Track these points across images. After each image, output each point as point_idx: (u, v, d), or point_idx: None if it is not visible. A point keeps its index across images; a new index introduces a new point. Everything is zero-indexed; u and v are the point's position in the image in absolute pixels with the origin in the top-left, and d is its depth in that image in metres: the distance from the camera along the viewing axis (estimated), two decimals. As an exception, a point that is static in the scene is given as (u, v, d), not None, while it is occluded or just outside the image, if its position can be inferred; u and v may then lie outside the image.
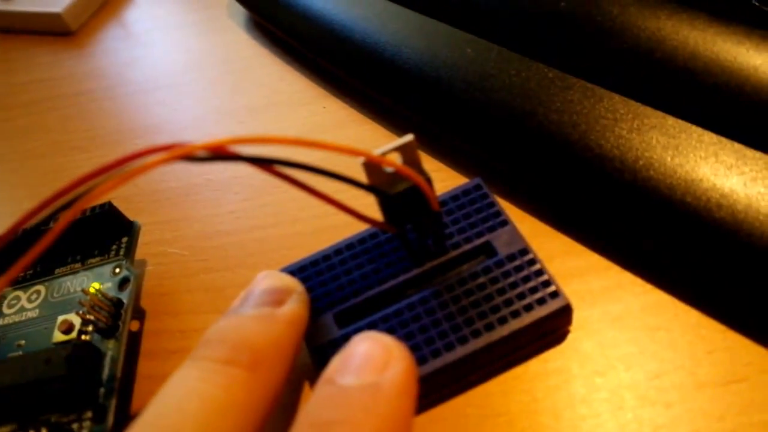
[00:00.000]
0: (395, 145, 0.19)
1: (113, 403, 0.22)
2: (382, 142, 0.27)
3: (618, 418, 0.21)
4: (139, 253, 0.27)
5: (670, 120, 0.23)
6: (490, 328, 0.21)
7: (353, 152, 0.18)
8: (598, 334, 0.22)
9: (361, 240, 0.23)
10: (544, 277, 0.21)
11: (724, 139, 0.22)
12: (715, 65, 0.23)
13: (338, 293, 0.22)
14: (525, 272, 0.22)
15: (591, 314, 0.23)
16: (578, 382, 0.22)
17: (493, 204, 0.23)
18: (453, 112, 0.26)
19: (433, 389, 0.21)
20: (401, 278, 0.22)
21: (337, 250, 0.23)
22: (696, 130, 0.22)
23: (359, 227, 0.24)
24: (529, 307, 0.21)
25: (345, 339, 0.21)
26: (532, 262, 0.22)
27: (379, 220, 0.21)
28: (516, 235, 0.22)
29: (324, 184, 0.20)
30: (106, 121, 0.34)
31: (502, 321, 0.21)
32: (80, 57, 0.39)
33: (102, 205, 0.26)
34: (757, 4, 0.25)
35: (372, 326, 0.21)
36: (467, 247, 0.23)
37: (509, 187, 0.26)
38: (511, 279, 0.21)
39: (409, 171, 0.19)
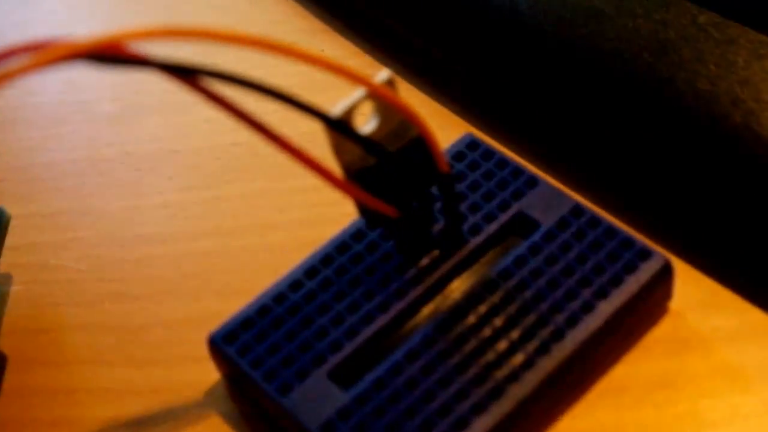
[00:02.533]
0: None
1: None
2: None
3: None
4: (2, 262, 0.24)
5: None
6: (573, 324, 0.19)
7: (347, 73, 0.16)
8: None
9: (340, 247, 0.21)
10: (622, 236, 0.19)
11: None
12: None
13: (323, 340, 0.19)
14: (590, 237, 0.20)
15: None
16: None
17: (505, 161, 0.21)
18: (527, 62, 0.23)
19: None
20: (413, 293, 0.20)
21: (310, 270, 0.20)
22: None
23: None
24: (617, 280, 0.19)
25: (359, 404, 0.18)
26: (596, 221, 0.20)
27: (378, 201, 0.18)
28: (557, 193, 0.21)
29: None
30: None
31: (587, 309, 0.19)
32: None
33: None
34: None
35: (391, 376, 0.19)
36: (492, 227, 0.20)
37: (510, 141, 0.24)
38: (575, 251, 0.19)
39: (415, 113, 0.17)
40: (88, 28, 0.31)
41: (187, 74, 0.15)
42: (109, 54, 0.15)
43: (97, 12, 0.31)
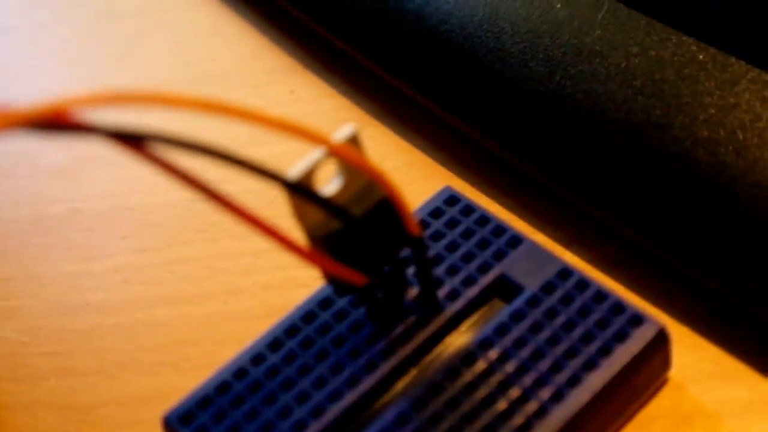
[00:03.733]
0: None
1: None
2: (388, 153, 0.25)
3: None
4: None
5: None
6: (560, 398, 0.18)
7: (302, 134, 0.16)
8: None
9: (306, 316, 0.20)
10: (613, 300, 0.19)
11: None
12: None
13: (287, 419, 0.19)
14: (579, 302, 0.19)
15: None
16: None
17: (487, 218, 0.21)
18: (512, 109, 0.23)
19: None
20: (385, 366, 0.20)
21: (273, 342, 0.20)
22: None
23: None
24: (607, 350, 0.19)
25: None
26: (585, 283, 0.19)
27: (345, 269, 0.18)
28: (543, 254, 0.20)
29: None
30: None
31: (574, 383, 0.18)
32: None
33: None
34: None
35: None
36: (472, 291, 0.20)
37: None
38: (562, 318, 0.19)
39: (380, 173, 0.17)
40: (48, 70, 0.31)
41: (134, 140, 0.15)
42: (52, 123, 0.15)
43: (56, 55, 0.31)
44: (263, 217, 0.17)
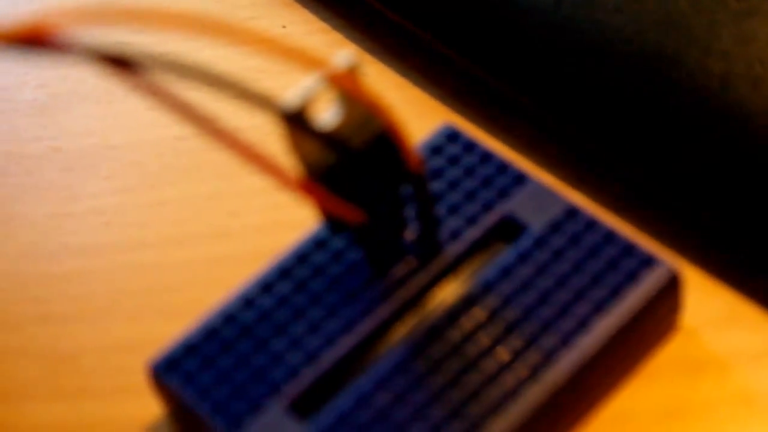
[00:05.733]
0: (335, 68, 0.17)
1: None
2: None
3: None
4: None
5: None
6: (568, 345, 0.18)
7: (298, 58, 0.16)
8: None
9: (300, 257, 0.20)
10: (622, 242, 0.19)
11: None
12: None
13: (280, 366, 0.19)
14: (586, 243, 0.19)
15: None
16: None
17: (489, 156, 0.21)
18: (517, 42, 0.23)
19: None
20: (384, 310, 0.19)
21: (264, 285, 0.20)
22: None
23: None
24: (617, 293, 0.19)
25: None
26: (593, 224, 0.20)
27: (342, 204, 0.18)
28: (548, 193, 0.20)
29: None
30: None
31: (583, 328, 0.19)
32: None
33: None
34: None
35: (358, 407, 0.19)
36: (474, 232, 0.20)
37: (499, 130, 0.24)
38: (569, 260, 0.19)
39: (379, 103, 0.17)
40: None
41: (123, 63, 0.15)
42: (36, 41, 0.15)
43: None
44: (258, 149, 0.16)
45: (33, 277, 0.24)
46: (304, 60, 0.16)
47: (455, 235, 0.20)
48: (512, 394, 0.18)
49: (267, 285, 0.20)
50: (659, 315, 0.19)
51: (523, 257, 0.19)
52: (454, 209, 0.20)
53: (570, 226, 0.20)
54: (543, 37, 0.22)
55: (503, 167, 0.21)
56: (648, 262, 0.19)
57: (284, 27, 0.28)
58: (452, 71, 0.25)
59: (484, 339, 0.19)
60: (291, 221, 0.22)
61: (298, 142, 0.17)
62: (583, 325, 0.18)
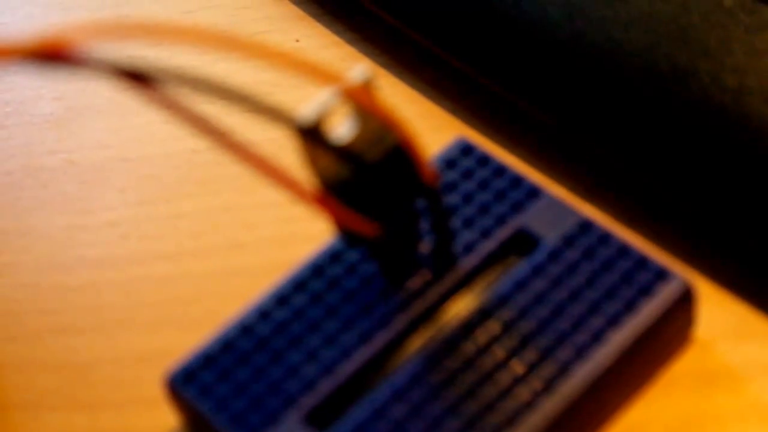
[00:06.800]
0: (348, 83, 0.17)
1: None
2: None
3: None
4: None
5: None
6: (582, 358, 0.18)
7: (314, 72, 0.16)
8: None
9: (315, 270, 0.20)
10: (636, 255, 0.19)
11: None
12: None
13: (296, 378, 0.19)
14: (601, 257, 0.19)
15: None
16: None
17: (503, 169, 0.21)
18: (529, 57, 0.23)
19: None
20: (399, 322, 0.19)
21: (281, 298, 0.20)
22: None
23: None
24: (631, 307, 0.19)
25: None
26: (607, 238, 0.19)
27: (357, 217, 0.18)
28: (562, 207, 0.20)
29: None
30: None
31: (597, 341, 0.19)
32: None
33: None
34: None
35: (374, 419, 0.19)
36: (488, 245, 0.20)
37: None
38: (583, 274, 0.19)
39: (394, 117, 0.17)
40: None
41: (138, 77, 0.15)
42: (52, 55, 0.15)
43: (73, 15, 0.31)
44: (274, 162, 0.16)
45: (49, 289, 0.24)
46: (319, 74, 0.16)
47: (469, 248, 0.20)
48: (527, 406, 0.18)
49: (283, 297, 0.20)
50: (673, 328, 0.19)
51: (537, 270, 0.19)
52: (468, 222, 0.20)
53: (584, 240, 0.20)
54: (556, 51, 0.22)
55: (517, 181, 0.21)
56: (661, 275, 0.19)
57: (298, 41, 0.28)
58: (466, 85, 0.25)
59: (498, 351, 0.18)
60: (306, 234, 0.22)
61: (313, 156, 0.17)
62: (597, 338, 0.18)
